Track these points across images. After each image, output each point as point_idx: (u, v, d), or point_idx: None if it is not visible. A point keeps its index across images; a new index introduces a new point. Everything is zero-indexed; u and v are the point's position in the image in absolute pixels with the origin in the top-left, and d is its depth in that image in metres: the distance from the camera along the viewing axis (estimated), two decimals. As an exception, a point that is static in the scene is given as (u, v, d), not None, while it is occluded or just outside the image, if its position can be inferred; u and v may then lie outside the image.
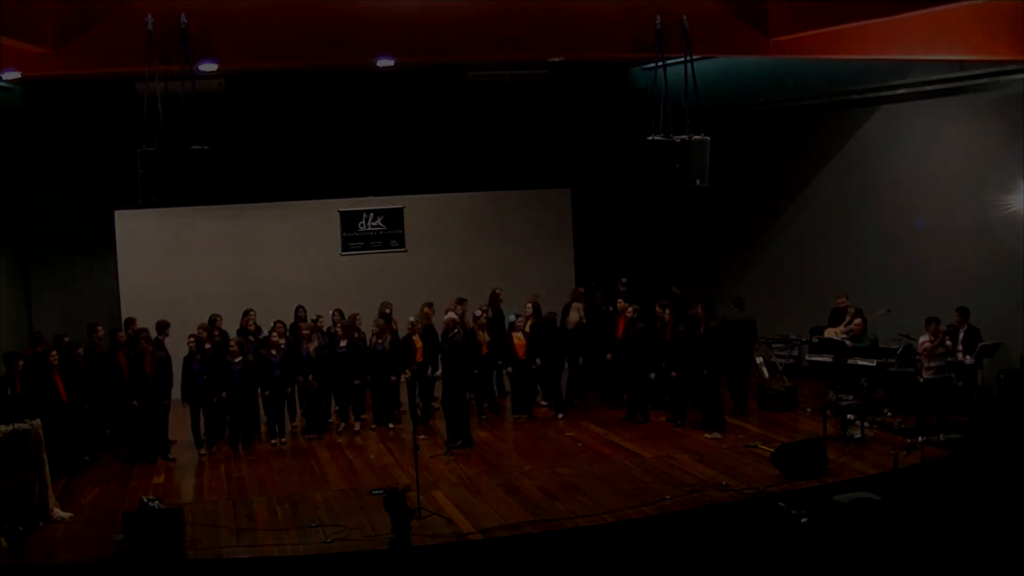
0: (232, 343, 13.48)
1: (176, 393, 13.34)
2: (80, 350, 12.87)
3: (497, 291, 15.41)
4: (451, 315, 13.78)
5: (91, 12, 8.99)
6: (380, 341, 13.94)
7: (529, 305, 14.59)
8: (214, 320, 14.20)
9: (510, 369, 14.43)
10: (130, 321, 14.47)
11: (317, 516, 10.52)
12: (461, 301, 14.74)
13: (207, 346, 13.35)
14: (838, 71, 14.67)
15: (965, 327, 13.04)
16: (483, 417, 14.50)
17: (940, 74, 13.65)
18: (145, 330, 13.56)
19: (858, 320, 13.65)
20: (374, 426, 14.08)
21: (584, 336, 14.90)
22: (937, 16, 10.18)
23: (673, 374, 13.70)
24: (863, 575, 8.90)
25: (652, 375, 14.20)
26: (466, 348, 13.50)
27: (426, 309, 14.51)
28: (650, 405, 14.14)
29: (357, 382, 13.88)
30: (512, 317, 14.59)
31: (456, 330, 13.35)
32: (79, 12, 8.95)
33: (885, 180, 15.14)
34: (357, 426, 14.01)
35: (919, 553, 9.03)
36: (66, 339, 13.03)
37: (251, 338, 13.98)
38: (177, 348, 13.82)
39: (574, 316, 15.05)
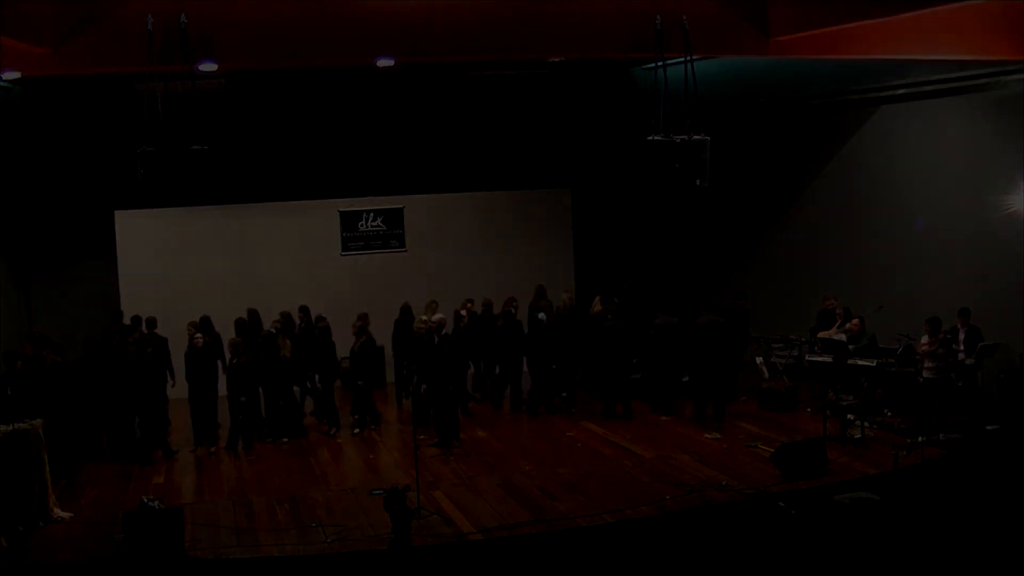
0: (233, 342, 13.50)
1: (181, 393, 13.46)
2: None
3: (542, 285, 15.81)
4: (440, 316, 13.77)
5: (91, 12, 8.98)
6: (354, 343, 13.95)
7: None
8: (207, 320, 14.21)
9: (555, 366, 14.58)
10: (119, 315, 14.64)
11: (317, 516, 10.53)
12: (512, 301, 15.01)
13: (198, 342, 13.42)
14: (838, 71, 14.67)
15: (966, 328, 13.03)
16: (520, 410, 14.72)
17: (940, 74, 13.64)
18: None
19: (855, 320, 13.66)
20: (356, 430, 13.96)
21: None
22: (937, 16, 10.17)
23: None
24: (863, 575, 8.90)
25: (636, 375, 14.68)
26: (458, 346, 13.57)
27: (469, 305, 14.72)
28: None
29: (319, 386, 13.92)
30: (541, 316, 14.68)
31: (445, 331, 13.33)
32: (79, 12, 8.95)
33: (885, 180, 15.13)
34: (332, 430, 13.96)
35: (919, 553, 9.03)
36: (118, 333, 13.34)
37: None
38: (177, 346, 13.91)
39: (598, 306, 15.29)
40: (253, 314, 14.72)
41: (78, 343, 13.60)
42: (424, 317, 14.00)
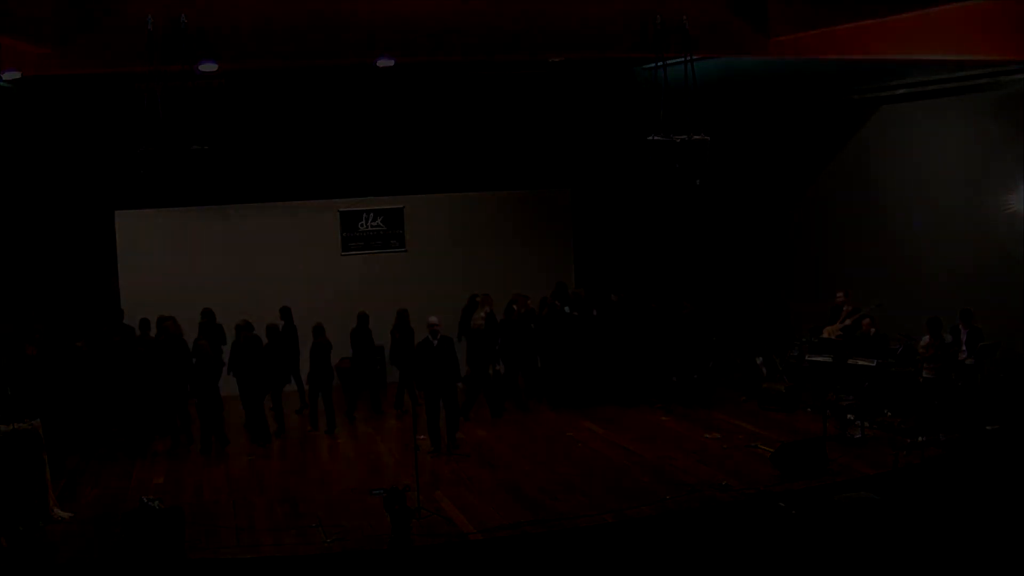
0: (197, 345, 13.56)
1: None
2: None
3: (562, 282, 16.36)
4: (433, 319, 13.70)
5: (91, 12, 8.99)
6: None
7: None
8: (163, 320, 14.28)
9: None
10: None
11: (317, 516, 10.52)
12: (553, 296, 15.53)
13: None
14: (838, 71, 14.66)
15: (968, 330, 12.98)
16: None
17: (940, 74, 13.64)
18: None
19: (866, 320, 13.65)
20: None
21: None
22: (937, 16, 10.18)
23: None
24: (863, 575, 8.90)
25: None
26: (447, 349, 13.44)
27: (529, 302, 15.08)
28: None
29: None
30: (566, 309, 14.82)
31: (439, 335, 13.19)
32: (79, 12, 8.95)
33: (885, 180, 15.13)
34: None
35: (919, 553, 9.03)
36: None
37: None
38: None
39: None
40: (207, 314, 14.73)
41: (77, 343, 13.62)
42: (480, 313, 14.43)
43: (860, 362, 13.37)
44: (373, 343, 14.93)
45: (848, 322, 13.96)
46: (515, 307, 15.06)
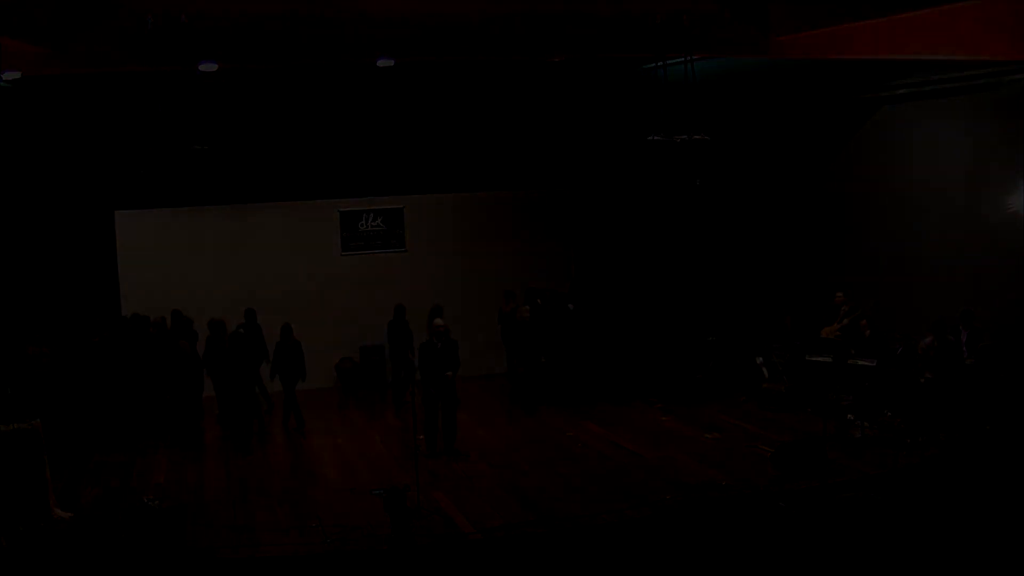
0: (181, 345, 13.61)
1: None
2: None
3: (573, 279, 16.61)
4: (439, 321, 13.68)
5: (91, 12, 9.00)
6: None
7: None
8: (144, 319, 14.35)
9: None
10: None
11: (317, 516, 10.52)
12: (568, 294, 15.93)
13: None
14: (838, 71, 14.66)
15: (968, 332, 12.98)
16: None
17: (940, 74, 13.65)
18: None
19: (863, 321, 13.66)
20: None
21: None
22: (937, 16, 10.18)
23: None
24: (861, 574, 8.90)
25: None
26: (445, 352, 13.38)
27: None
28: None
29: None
30: (570, 306, 14.88)
31: (444, 338, 13.13)
32: (79, 12, 8.96)
33: (885, 180, 15.14)
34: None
35: (918, 553, 9.03)
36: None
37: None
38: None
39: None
40: (176, 315, 14.75)
41: (77, 343, 13.64)
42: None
43: (860, 362, 13.37)
44: (411, 336, 14.90)
45: (846, 321, 13.97)
46: (539, 301, 15.11)
